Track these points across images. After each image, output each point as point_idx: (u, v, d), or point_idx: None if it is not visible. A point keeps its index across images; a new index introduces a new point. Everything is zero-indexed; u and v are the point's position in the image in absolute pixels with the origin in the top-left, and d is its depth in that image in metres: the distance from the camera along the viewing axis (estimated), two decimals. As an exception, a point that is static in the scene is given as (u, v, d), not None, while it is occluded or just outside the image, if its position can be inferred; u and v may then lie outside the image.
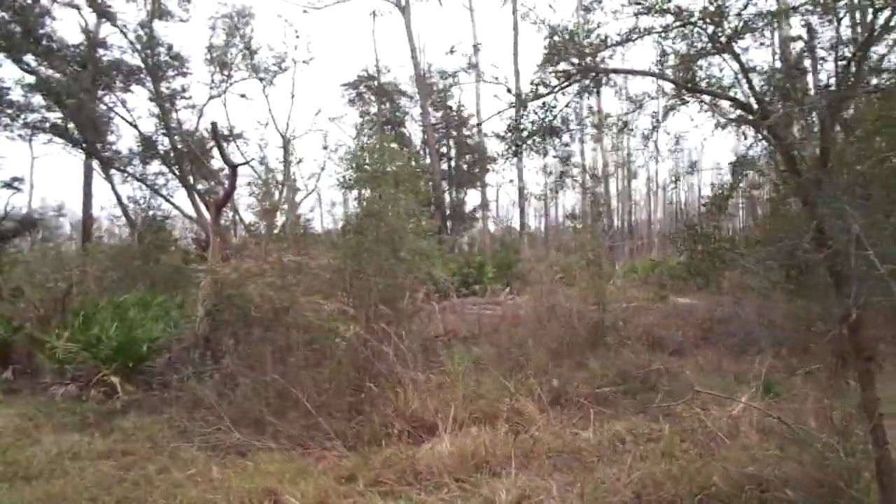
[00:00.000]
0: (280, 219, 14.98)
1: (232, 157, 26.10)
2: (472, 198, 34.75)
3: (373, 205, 9.34)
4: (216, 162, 27.10)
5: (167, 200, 24.33)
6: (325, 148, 28.73)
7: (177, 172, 24.29)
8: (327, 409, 7.01)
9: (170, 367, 10.16)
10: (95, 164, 25.27)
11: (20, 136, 25.62)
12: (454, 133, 31.29)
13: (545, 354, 10.22)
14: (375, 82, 31.19)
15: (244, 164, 13.71)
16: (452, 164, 31.86)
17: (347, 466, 5.86)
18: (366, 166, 11.13)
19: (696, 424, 6.21)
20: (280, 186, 20.08)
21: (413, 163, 12.71)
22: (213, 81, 26.59)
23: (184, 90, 24.36)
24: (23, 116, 21.08)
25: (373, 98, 31.80)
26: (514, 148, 5.63)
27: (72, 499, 5.29)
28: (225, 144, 27.19)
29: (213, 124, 10.86)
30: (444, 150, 31.72)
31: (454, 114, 31.32)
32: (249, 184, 22.09)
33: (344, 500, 5.07)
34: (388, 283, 9.02)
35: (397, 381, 7.68)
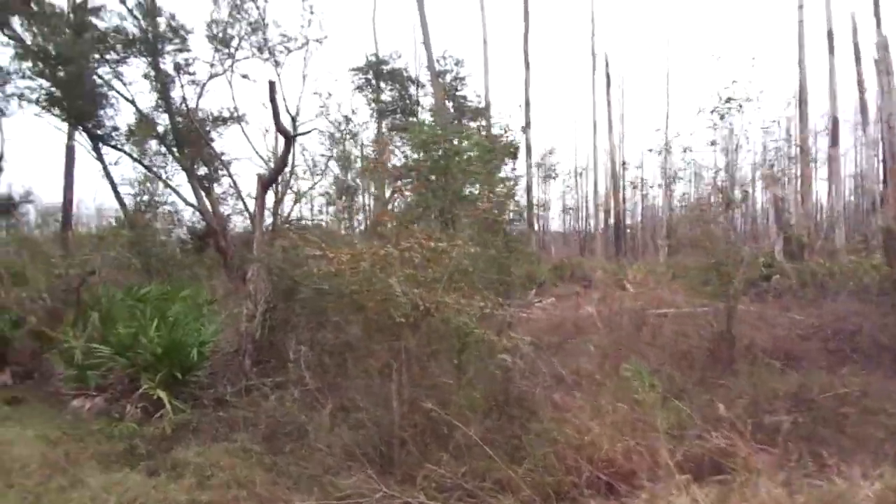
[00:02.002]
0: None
1: (215, 142, 24.17)
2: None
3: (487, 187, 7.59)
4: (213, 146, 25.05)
5: (167, 184, 22.15)
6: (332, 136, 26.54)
7: (176, 154, 22.13)
8: (480, 446, 5.21)
9: (219, 379, 8.29)
10: (80, 145, 22.97)
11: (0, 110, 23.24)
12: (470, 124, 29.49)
13: (673, 371, 8.57)
14: (386, 67, 29.27)
15: (304, 133, 11.68)
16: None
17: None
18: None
19: None
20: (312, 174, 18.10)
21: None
22: (214, 59, 24.42)
23: (187, 64, 22.15)
24: (12, 84, 18.76)
25: (382, 85, 29.84)
26: None
27: None
28: (221, 128, 25.15)
29: (271, 84, 8.98)
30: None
31: (469, 103, 29.59)
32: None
33: None
34: (503, 280, 7.30)
35: (555, 406, 5.94)
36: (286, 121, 23.36)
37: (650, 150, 34.24)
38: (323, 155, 20.56)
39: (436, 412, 5.07)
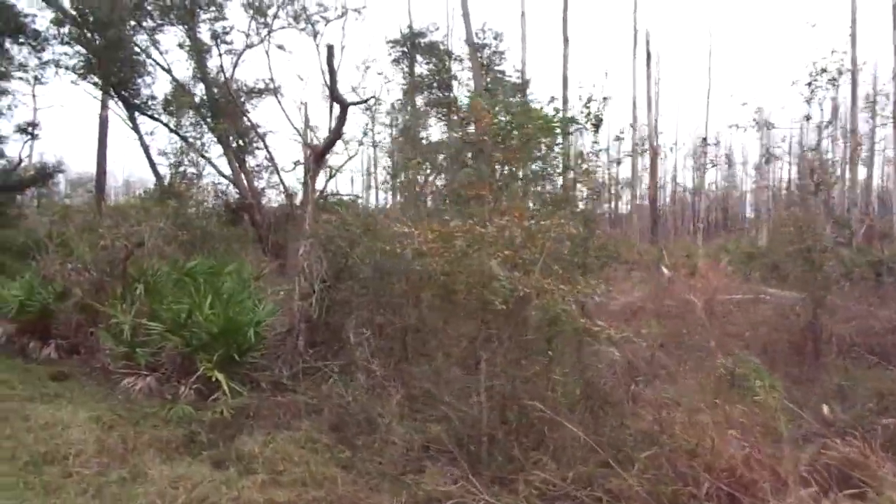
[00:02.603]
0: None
1: (249, 114, 23.63)
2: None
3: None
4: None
5: (202, 156, 21.76)
6: (371, 108, 25.99)
7: (212, 125, 21.70)
8: (583, 448, 4.69)
9: (273, 360, 7.86)
10: (114, 114, 22.65)
11: (35, 77, 22.89)
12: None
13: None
14: (424, 39, 28.54)
15: (362, 102, 11.11)
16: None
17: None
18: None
19: None
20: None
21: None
22: (250, 29, 23.84)
23: (225, 32, 21.61)
24: (49, 49, 18.40)
25: (419, 58, 29.15)
26: None
27: None
28: (256, 100, 24.58)
29: (330, 48, 8.35)
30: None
31: (508, 78, 28.75)
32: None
33: None
34: (582, 262, 6.75)
35: (649, 404, 5.39)
36: (323, 92, 22.86)
37: (733, 127, 32.13)
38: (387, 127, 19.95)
39: (541, 410, 4.53)
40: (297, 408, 6.47)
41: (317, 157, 9.52)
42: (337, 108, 12.12)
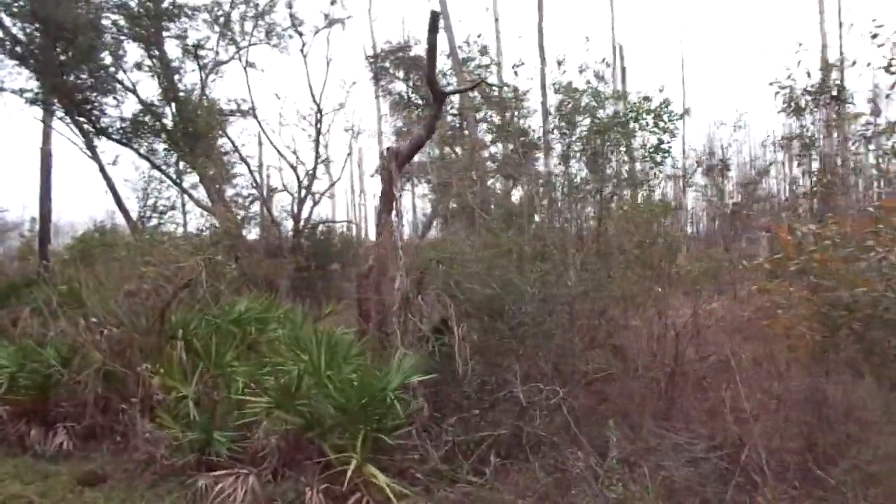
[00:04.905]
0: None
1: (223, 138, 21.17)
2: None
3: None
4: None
5: (176, 184, 19.23)
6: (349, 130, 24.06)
7: (186, 150, 19.15)
8: None
9: (409, 435, 5.67)
10: (62, 143, 19.84)
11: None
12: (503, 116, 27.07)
13: None
14: (408, 53, 26.66)
15: (471, 87, 8.93)
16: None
17: None
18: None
19: None
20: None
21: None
22: (219, 46, 21.43)
23: (201, 45, 19.21)
24: None
25: (399, 75, 27.27)
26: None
27: None
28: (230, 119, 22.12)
29: (434, 15, 6.23)
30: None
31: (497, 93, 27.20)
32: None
33: None
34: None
35: None
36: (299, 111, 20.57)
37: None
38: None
39: None
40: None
41: (400, 165, 7.47)
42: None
